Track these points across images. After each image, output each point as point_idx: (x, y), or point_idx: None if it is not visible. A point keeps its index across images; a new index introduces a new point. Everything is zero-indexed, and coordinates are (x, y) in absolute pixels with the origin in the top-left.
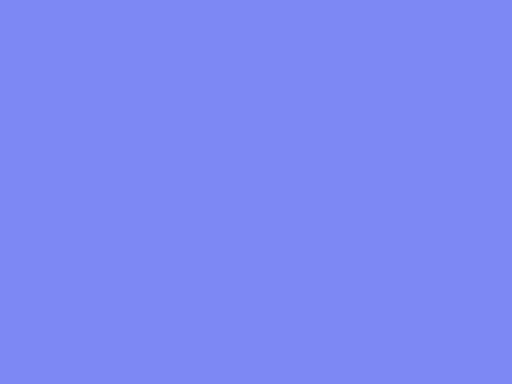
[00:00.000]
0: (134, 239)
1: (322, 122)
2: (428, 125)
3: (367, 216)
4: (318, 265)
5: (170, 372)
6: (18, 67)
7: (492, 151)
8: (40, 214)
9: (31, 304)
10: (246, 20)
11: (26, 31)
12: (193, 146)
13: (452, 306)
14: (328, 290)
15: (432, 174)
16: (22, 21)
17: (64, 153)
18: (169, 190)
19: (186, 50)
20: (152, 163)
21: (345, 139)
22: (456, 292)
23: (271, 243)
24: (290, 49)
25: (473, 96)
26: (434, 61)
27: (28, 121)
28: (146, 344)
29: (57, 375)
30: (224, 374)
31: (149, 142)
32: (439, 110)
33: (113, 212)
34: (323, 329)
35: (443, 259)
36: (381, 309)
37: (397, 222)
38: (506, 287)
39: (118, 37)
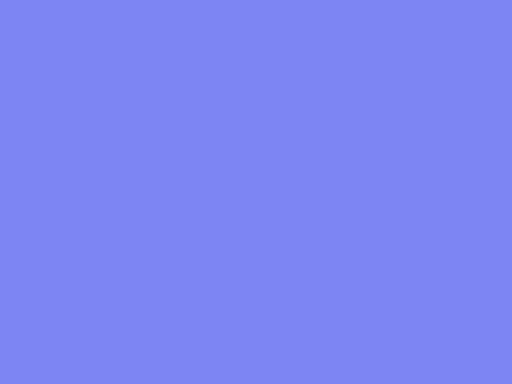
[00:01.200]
0: (134, 239)
1: (322, 122)
2: (428, 125)
3: (367, 216)
4: (318, 265)
5: (170, 372)
6: (18, 67)
7: (492, 151)
8: (40, 213)
9: (31, 304)
10: (246, 20)
11: (26, 31)
12: (193, 146)
13: (452, 306)
14: (328, 290)
15: (432, 174)
16: (22, 21)
17: (64, 153)
18: (169, 189)
19: (186, 50)
20: (152, 163)
21: (345, 139)
22: (456, 292)
23: (271, 243)
24: (290, 49)
25: (473, 96)
26: (434, 61)
27: (28, 121)
28: (146, 344)
29: (57, 375)
30: (224, 374)
31: (149, 141)
32: (439, 110)
33: (113, 212)
34: (323, 329)
35: (443, 259)
36: (381, 309)
37: (397, 222)
38: (506, 287)
39: (118, 37)
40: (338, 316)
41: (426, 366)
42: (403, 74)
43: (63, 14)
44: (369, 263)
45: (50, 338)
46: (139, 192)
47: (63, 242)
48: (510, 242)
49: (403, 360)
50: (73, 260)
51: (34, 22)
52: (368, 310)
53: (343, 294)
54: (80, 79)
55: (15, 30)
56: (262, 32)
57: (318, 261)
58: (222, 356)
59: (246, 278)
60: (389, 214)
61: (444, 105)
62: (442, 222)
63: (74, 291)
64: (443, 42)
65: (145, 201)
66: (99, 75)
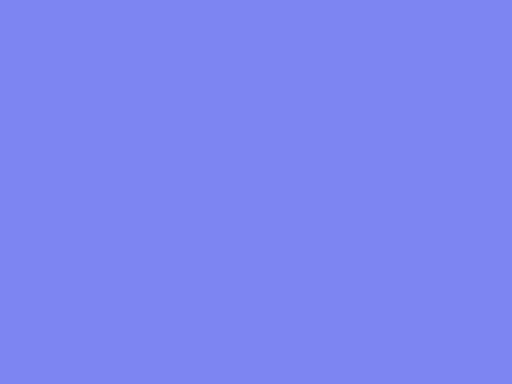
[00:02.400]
0: (134, 239)
1: (322, 122)
2: (428, 125)
3: (367, 216)
4: (318, 265)
5: (170, 372)
6: (18, 67)
7: (492, 151)
8: (40, 213)
9: (31, 304)
10: (246, 20)
11: (26, 31)
12: (193, 146)
13: (452, 306)
14: (328, 289)
15: (432, 174)
16: (22, 21)
17: (64, 153)
18: (169, 189)
19: (186, 50)
20: (152, 163)
21: (345, 139)
22: (456, 292)
23: (271, 243)
24: (290, 49)
25: (473, 96)
26: (434, 61)
27: (28, 121)
28: (146, 344)
29: (57, 375)
30: (224, 374)
31: (149, 142)
32: (439, 110)
33: (113, 212)
34: (323, 329)
35: (443, 259)
36: (381, 309)
37: (397, 222)
38: (506, 287)
39: (118, 37)
40: (338, 316)
41: (426, 366)
42: (403, 74)
43: (63, 14)
44: (369, 263)
45: (50, 337)
46: (139, 192)
47: (63, 241)
48: (510, 242)
49: (403, 360)
50: (73, 260)
51: (34, 22)
52: (368, 310)
53: (343, 294)
54: (80, 79)
55: (15, 30)
56: (262, 32)
57: (318, 261)
58: (222, 356)
59: (246, 278)
60: (389, 214)
61: (444, 105)
62: (442, 222)
63: (74, 291)
64: (443, 42)
65: (145, 201)
66: (99, 75)
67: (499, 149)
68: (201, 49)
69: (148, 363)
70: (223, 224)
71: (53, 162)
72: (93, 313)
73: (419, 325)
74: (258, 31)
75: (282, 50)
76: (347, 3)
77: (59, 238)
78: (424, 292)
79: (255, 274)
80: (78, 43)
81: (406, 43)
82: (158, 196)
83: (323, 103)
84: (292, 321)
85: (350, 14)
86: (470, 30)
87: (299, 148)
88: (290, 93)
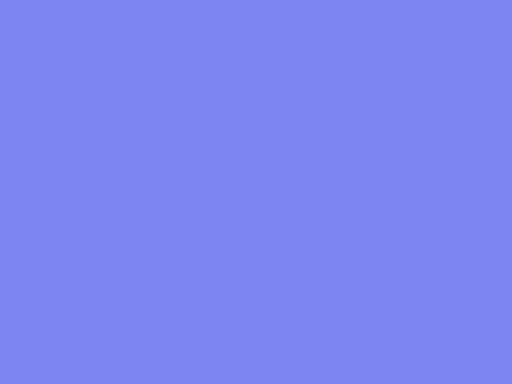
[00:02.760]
0: (134, 239)
1: (322, 122)
2: (428, 125)
3: (367, 216)
4: (318, 265)
5: (170, 372)
6: (18, 67)
7: (492, 151)
8: (40, 213)
9: (31, 304)
10: (246, 20)
11: (26, 31)
12: (193, 146)
13: (452, 306)
14: (328, 290)
15: (432, 174)
16: (22, 21)
17: (64, 153)
18: (169, 190)
19: (186, 50)
20: (152, 163)
21: (345, 139)
22: (456, 292)
23: (271, 243)
24: (290, 49)
25: (473, 96)
26: (434, 61)
27: (28, 121)
28: (146, 344)
29: (57, 375)
30: (224, 374)
31: (149, 142)
32: (439, 110)
33: (113, 212)
34: (323, 329)
35: (443, 259)
36: (381, 309)
37: (397, 222)
38: (506, 287)
39: (118, 37)
40: (337, 316)
41: (426, 366)
42: (403, 74)
43: (63, 14)
44: (369, 263)
45: (50, 338)
46: (139, 192)
47: (63, 241)
48: (510, 242)
49: (403, 360)
50: (73, 260)
51: (34, 22)
52: (368, 310)
53: (343, 294)
54: (80, 79)
55: (15, 30)
56: (262, 32)
57: (318, 261)
58: (222, 356)
59: (246, 278)
60: (389, 214)
61: (444, 105)
62: (442, 222)
63: (74, 291)
64: (443, 42)
65: (145, 201)
66: (99, 75)
67: (499, 149)
68: (201, 49)
69: (148, 363)
70: (223, 224)
71: (53, 161)
72: (93, 313)
73: (419, 325)
74: (257, 31)
75: (282, 50)
76: (347, 3)
77: (59, 238)
78: (424, 292)
79: (255, 274)
80: (78, 43)
81: (406, 43)
82: (158, 195)
83: (323, 103)
84: (292, 321)
85: (350, 14)
86: (470, 30)
87: (299, 148)
88: (290, 93)
